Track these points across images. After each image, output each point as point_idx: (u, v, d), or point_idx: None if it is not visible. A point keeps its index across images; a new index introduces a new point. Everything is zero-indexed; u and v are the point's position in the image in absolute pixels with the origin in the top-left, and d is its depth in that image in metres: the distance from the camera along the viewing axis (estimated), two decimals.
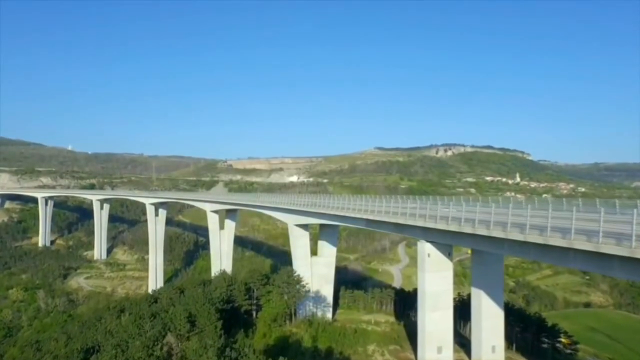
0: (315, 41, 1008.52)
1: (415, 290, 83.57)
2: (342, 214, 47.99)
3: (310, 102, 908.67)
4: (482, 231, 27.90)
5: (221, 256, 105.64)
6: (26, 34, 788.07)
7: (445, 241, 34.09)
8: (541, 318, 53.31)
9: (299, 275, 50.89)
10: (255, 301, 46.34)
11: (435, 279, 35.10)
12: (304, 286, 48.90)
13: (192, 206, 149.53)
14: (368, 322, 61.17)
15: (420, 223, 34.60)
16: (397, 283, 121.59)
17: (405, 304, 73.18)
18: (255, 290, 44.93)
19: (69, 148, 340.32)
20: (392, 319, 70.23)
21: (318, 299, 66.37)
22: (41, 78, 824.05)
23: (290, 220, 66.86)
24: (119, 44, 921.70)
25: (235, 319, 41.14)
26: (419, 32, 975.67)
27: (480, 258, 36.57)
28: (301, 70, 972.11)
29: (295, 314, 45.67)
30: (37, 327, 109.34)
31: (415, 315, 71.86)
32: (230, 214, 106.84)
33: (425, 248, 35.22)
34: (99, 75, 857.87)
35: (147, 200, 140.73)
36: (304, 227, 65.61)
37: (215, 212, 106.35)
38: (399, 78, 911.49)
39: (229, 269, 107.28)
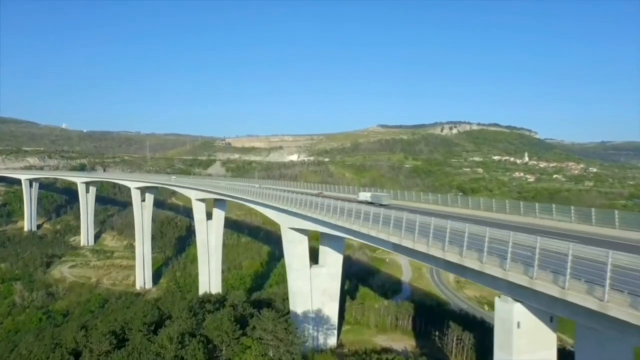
0: (316, 17, 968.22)
1: (438, 305, 68.16)
2: (354, 228, 31.58)
3: (311, 78, 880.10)
4: None
5: (209, 250, 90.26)
6: (24, 14, 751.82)
7: (564, 314, 17.17)
8: None
9: (290, 319, 34.78)
10: None
11: None
12: (299, 337, 32.92)
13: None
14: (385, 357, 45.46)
15: (522, 281, 17.22)
16: (406, 277, 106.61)
17: (426, 319, 57.85)
18: (224, 349, 29.41)
19: (63, 126, 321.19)
20: (412, 342, 54.86)
21: (319, 320, 50.85)
22: (36, 55, 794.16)
23: (283, 221, 50.48)
24: (118, 22, 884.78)
25: None
26: (424, 8, 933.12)
27: (596, 332, 20.03)
28: (302, 47, 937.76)
29: None
30: (8, 326, 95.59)
31: (441, 336, 56.80)
32: (219, 202, 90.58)
33: (514, 312, 18.86)
34: (97, 53, 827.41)
35: (133, 184, 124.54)
36: (302, 230, 49.35)
37: (202, 200, 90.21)
38: (403, 54, 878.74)
39: (218, 264, 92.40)
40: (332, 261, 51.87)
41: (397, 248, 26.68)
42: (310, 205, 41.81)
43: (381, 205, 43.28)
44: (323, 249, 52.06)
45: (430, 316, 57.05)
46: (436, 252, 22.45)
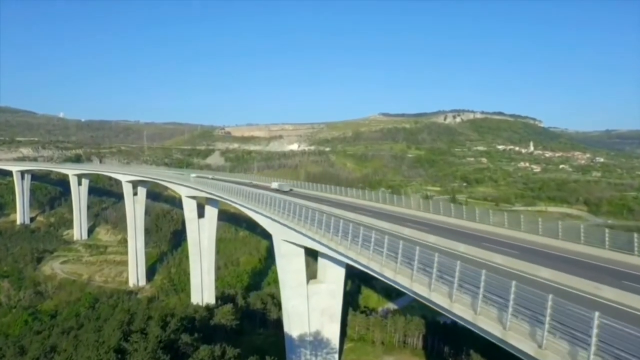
0: (317, 6, 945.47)
1: (453, 323, 60.84)
2: (362, 260, 23.67)
3: (312, 66, 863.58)
4: None
5: (201, 251, 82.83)
6: (21, 3, 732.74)
7: None
8: None
9: None
10: None
11: None
12: None
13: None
14: None
15: None
16: None
17: (438, 337, 50.52)
18: None
19: (60, 115, 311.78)
20: None
21: (318, 343, 43.36)
22: (35, 44, 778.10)
23: (276, 231, 42.62)
24: (116, 11, 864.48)
25: None
26: None
27: None
28: (303, 34, 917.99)
29: None
30: None
31: (454, 357, 49.50)
32: (211, 200, 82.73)
33: None
34: (96, 41, 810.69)
35: (124, 178, 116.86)
36: (298, 244, 41.46)
37: (193, 197, 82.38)
38: (405, 41, 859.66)
39: (211, 265, 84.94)
40: (333, 276, 44.11)
41: (424, 299, 18.70)
42: (306, 217, 33.80)
43: (284, 192, 57.45)
44: (322, 262, 44.26)
45: (443, 334, 49.67)
46: (491, 327, 13.72)
